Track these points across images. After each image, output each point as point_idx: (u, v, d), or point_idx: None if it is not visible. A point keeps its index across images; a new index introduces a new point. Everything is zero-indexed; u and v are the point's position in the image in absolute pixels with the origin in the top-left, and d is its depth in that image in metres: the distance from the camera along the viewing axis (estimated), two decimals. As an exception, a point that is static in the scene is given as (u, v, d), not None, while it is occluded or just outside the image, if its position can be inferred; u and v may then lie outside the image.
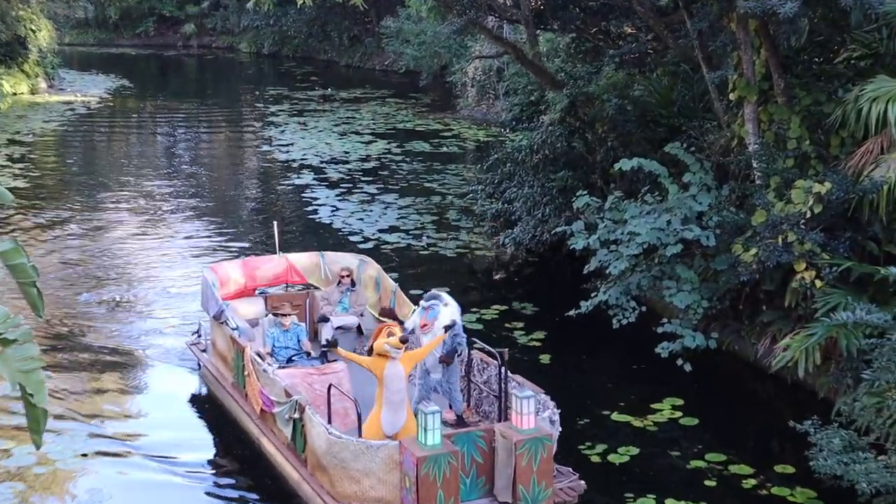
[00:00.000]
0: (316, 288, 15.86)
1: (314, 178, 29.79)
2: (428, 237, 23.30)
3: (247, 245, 23.48)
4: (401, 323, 12.04)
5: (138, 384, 16.28)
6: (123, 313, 19.17)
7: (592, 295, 17.01)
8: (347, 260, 15.97)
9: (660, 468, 13.29)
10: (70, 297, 19.73)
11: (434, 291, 12.79)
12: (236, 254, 22.41)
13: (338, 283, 15.51)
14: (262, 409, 13.09)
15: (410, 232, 24.16)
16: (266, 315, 14.83)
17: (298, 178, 30.07)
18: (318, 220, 25.29)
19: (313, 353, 13.89)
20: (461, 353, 12.58)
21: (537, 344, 17.59)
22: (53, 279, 20.56)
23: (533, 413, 11.26)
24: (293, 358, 13.73)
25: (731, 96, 17.10)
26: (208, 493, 12.79)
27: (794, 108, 16.13)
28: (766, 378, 15.83)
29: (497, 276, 21.87)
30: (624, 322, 16.63)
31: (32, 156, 33.48)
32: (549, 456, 11.25)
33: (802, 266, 15.12)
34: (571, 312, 16.96)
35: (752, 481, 13.05)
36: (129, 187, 29.22)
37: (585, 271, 17.66)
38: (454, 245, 23.43)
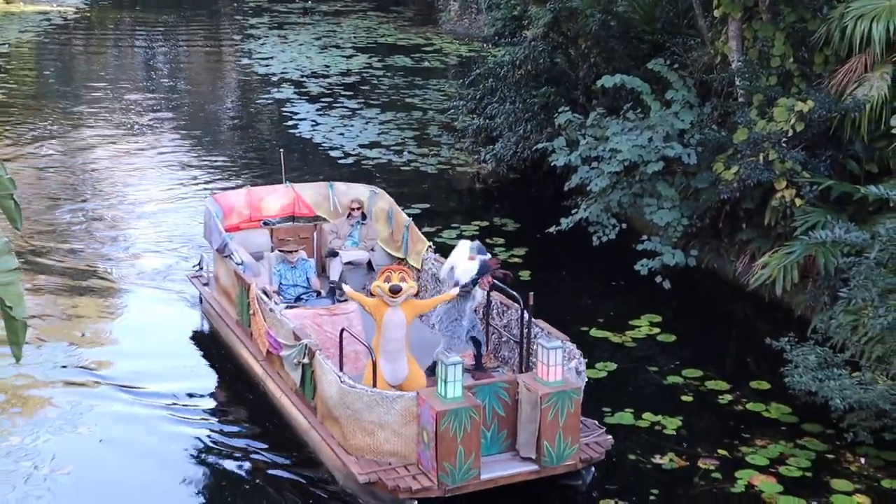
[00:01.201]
0: (324, 221, 15.16)
1: (294, 93, 29.06)
2: (409, 153, 22.62)
3: (226, 159, 23.05)
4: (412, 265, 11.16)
5: (123, 310, 15.77)
6: (103, 231, 18.63)
7: (573, 212, 16.89)
8: (358, 191, 15.14)
9: (637, 383, 13.22)
10: (48, 212, 19.28)
11: (476, 243, 12.17)
12: (216, 169, 21.82)
13: (347, 216, 14.79)
14: (268, 351, 12.34)
15: (391, 147, 23.58)
16: (272, 250, 14.18)
17: (278, 91, 29.35)
18: (298, 136, 24.76)
19: (323, 292, 13.20)
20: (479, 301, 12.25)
21: (518, 260, 17.31)
22: (31, 194, 20.02)
23: (560, 364, 10.40)
24: (302, 297, 12.98)
25: (716, 13, 16.75)
26: (210, 437, 12.14)
27: (779, 26, 15.76)
28: (744, 296, 15.65)
29: (478, 192, 21.72)
30: (604, 239, 16.55)
31: (9, 67, 32.57)
32: (577, 410, 10.42)
33: (783, 184, 14.93)
34: (552, 229, 16.90)
35: (728, 397, 13.03)
36: (108, 101, 28.34)
37: (566, 188, 17.46)
38: (435, 161, 22.98)
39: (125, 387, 13.15)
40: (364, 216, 14.79)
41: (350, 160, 22.44)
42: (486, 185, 21.82)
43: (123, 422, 12.37)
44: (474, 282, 11.35)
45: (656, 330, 14.91)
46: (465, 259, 11.60)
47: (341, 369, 11.00)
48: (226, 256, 13.57)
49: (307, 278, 13.32)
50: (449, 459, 9.89)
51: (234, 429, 12.37)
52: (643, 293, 15.95)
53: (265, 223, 15.09)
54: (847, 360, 11.90)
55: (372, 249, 14.58)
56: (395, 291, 10.86)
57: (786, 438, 12.04)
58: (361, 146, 23.36)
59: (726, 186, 15.56)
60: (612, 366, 13.44)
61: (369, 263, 14.45)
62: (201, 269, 15.21)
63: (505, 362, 12.29)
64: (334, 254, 14.32)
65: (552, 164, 17.70)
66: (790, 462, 11.66)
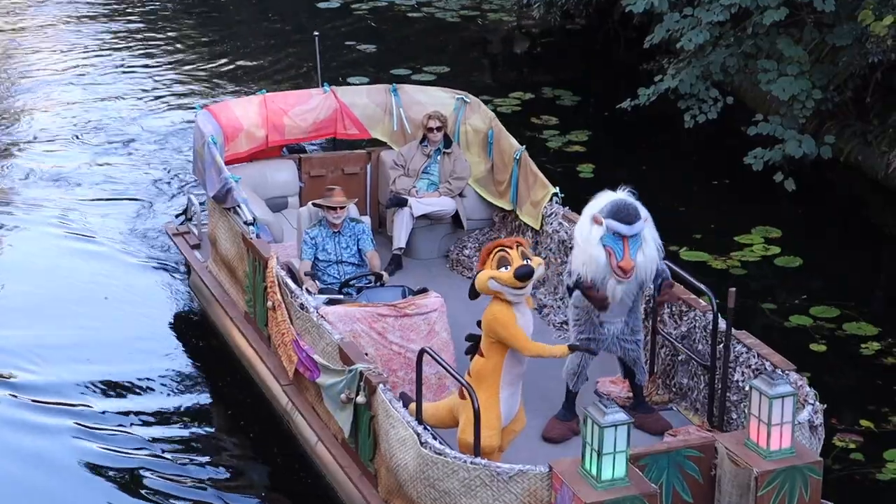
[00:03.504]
0: (384, 146, 12.92)
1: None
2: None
3: (224, 50, 20.71)
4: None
5: (69, 282, 13.33)
6: (24, 161, 16.42)
7: (656, 79, 15.88)
8: (438, 99, 12.81)
9: (748, 326, 11.10)
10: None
11: (629, 202, 9.20)
12: (211, 68, 19.87)
13: (422, 140, 12.33)
14: (296, 370, 10.00)
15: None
16: (300, 195, 12.41)
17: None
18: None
19: (386, 275, 10.84)
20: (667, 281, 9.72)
21: (578, 149, 16.36)
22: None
23: (791, 422, 8.16)
24: (351, 283, 10.61)
25: None
26: None
27: None
28: None
29: (520, 51, 20.28)
30: (701, 119, 15.47)
31: None
32: (815, 497, 8.18)
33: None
34: (625, 104, 15.86)
35: (876, 345, 12.05)
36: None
37: (647, 45, 16.31)
38: (457, 5, 21.22)
39: (61, 406, 11.13)
40: (448, 140, 12.34)
41: (335, 3, 21.11)
42: (532, 40, 20.44)
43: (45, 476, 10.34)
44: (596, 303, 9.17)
45: (775, 250, 13.79)
46: (588, 228, 9.14)
47: (420, 416, 8.79)
48: (228, 209, 11.38)
49: (358, 251, 10.96)
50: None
51: (242, 496, 10.07)
52: (756, 197, 15.06)
53: (290, 150, 12.92)
54: None
55: (461, 195, 12.33)
56: (525, 277, 8.43)
57: None
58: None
59: (878, 44, 14.32)
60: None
61: (456, 218, 12.20)
62: (188, 220, 12.99)
63: (683, 395, 10.08)
64: (401, 202, 12.02)
65: (626, 10, 16.46)
66: None
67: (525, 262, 8.56)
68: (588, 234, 9.13)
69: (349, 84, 17.18)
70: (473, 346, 8.98)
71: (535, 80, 18.63)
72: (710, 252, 13.69)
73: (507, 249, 8.61)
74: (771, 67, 15.27)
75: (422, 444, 8.34)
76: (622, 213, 9.06)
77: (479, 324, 8.87)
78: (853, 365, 11.86)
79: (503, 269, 8.55)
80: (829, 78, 15.36)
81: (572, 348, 8.98)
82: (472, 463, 8.14)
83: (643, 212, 9.32)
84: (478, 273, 8.81)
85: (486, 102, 15.74)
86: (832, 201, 15.22)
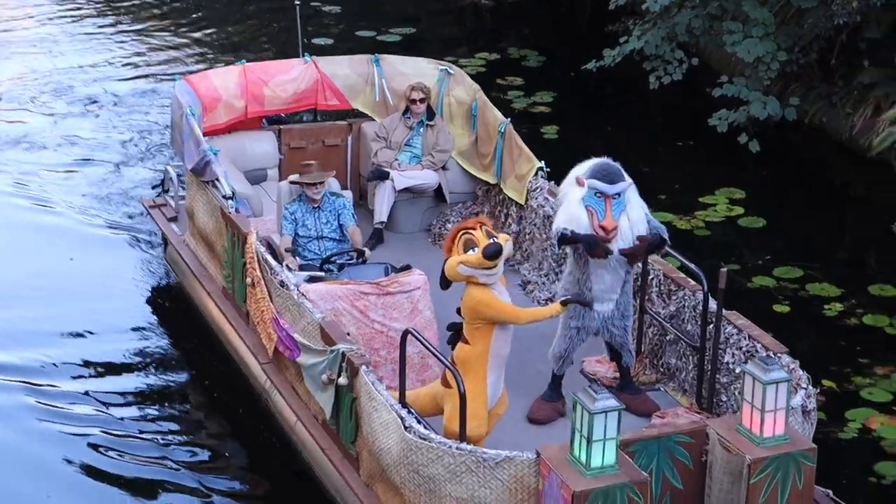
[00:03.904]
0: (365, 118, 12.70)
1: None
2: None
3: (200, 21, 20.43)
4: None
5: (37, 254, 13.07)
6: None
7: (622, 41, 15.91)
8: (421, 70, 12.60)
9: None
10: None
11: (610, 163, 9.12)
12: (189, 38, 19.49)
13: (404, 112, 12.11)
14: (276, 349, 9.83)
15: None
16: (279, 168, 12.15)
17: None
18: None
19: (367, 251, 10.59)
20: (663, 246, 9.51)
21: (543, 109, 16.34)
22: None
23: (785, 408, 7.98)
24: (333, 259, 10.39)
25: None
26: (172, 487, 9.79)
27: None
28: (864, 164, 14.87)
29: (486, 12, 19.97)
30: (666, 81, 15.56)
31: None
32: (809, 485, 8.00)
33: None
34: (590, 65, 15.92)
35: (839, 306, 12.16)
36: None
37: (612, 6, 16.34)
38: None
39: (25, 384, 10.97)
40: (431, 112, 12.08)
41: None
42: (498, 1, 20.20)
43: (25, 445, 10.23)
44: (589, 248, 8.81)
45: (738, 211, 13.90)
46: (574, 190, 9.02)
47: (404, 399, 8.51)
48: (206, 182, 11.11)
49: (339, 227, 10.70)
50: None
51: (219, 478, 9.76)
52: (721, 159, 15.15)
53: (270, 121, 12.66)
54: None
55: (444, 168, 12.08)
56: (494, 255, 8.17)
57: None
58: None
59: (843, 6, 14.22)
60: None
61: (438, 192, 12.03)
62: (164, 192, 12.74)
63: (671, 376, 9.85)
64: (382, 175, 11.77)
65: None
66: None
67: (492, 241, 8.29)
68: (570, 195, 8.95)
69: (314, 45, 17.01)
70: (455, 334, 8.72)
71: (500, 41, 18.54)
72: (675, 212, 13.59)
73: (471, 231, 8.38)
74: (736, 29, 15.24)
75: (406, 428, 8.11)
76: (604, 172, 8.96)
77: (458, 311, 8.62)
78: (816, 326, 11.84)
79: (471, 252, 8.31)
80: (795, 40, 15.32)
81: (565, 303, 8.73)
82: (457, 448, 7.91)
83: (628, 177, 9.15)
84: (445, 261, 8.56)
85: (451, 63, 15.90)
86: (796, 163, 15.25)
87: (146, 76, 18.18)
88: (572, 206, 8.92)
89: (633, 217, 8.97)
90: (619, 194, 8.89)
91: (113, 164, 15.18)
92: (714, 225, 13.62)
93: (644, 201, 9.19)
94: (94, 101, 17.13)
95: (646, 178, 13.66)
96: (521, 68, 17.56)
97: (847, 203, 14.68)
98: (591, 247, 8.87)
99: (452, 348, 8.68)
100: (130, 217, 13.72)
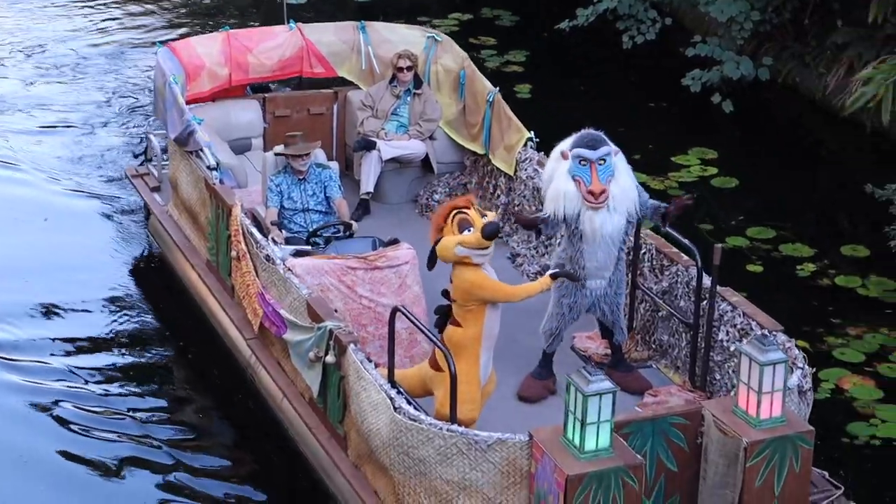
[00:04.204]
0: (351, 86, 12.41)
1: None
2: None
3: None
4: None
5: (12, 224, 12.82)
6: None
7: (595, 0, 15.93)
8: (408, 37, 12.33)
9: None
10: None
11: (593, 131, 8.97)
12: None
13: (391, 81, 11.85)
14: (261, 324, 9.60)
15: None
16: (264, 137, 11.86)
17: None
18: None
19: (355, 224, 10.40)
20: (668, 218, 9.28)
21: (516, 69, 16.28)
22: None
23: (782, 389, 7.79)
24: (319, 233, 10.27)
25: None
26: (154, 466, 9.44)
27: None
28: (836, 123, 14.89)
29: None
30: (639, 41, 15.72)
31: None
32: (806, 469, 7.81)
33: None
34: (564, 25, 16.00)
35: (811, 266, 12.19)
36: None
37: None
38: None
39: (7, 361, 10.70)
40: (418, 80, 11.86)
41: None
42: None
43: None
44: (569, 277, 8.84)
45: (711, 171, 13.94)
46: (560, 165, 8.88)
47: (393, 378, 8.32)
48: (190, 152, 10.86)
49: (326, 199, 10.51)
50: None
51: (203, 456, 9.53)
52: (694, 118, 15.24)
53: (254, 89, 12.41)
54: None
55: (431, 138, 11.78)
56: (493, 234, 8.03)
57: (890, 325, 11.33)
58: None
59: None
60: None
61: (426, 161, 11.75)
62: (147, 160, 12.46)
63: (663, 353, 9.64)
64: (369, 145, 11.48)
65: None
66: (895, 358, 10.83)
67: (488, 221, 8.11)
68: (556, 170, 8.79)
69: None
70: (443, 317, 8.50)
71: (474, 1, 18.40)
72: (649, 173, 13.57)
73: (465, 211, 8.21)
74: (710, -12, 16.00)
75: (395, 409, 7.91)
76: (586, 139, 8.87)
77: (444, 294, 8.41)
78: (789, 286, 11.85)
79: (467, 232, 8.12)
80: (767, 0, 15.47)
81: (554, 276, 8.55)
82: (448, 430, 7.71)
83: (612, 144, 8.99)
84: (437, 241, 8.28)
85: (424, 23, 16.30)
86: (769, 123, 15.34)
87: (121, 41, 17.79)
88: (559, 182, 8.79)
89: (624, 184, 8.79)
90: (604, 160, 8.70)
91: (88, 126, 14.84)
92: (687, 185, 13.60)
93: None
94: (68, 65, 16.77)
95: (620, 139, 13.60)
96: (495, 28, 17.45)
97: (820, 163, 14.67)
98: (570, 277, 8.76)
99: (441, 332, 8.45)
100: (109, 181, 13.46)
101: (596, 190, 8.63)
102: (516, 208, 11.11)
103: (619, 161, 8.89)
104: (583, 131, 9.03)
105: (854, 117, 14.15)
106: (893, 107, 12.97)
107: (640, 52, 15.84)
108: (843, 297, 11.75)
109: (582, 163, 8.70)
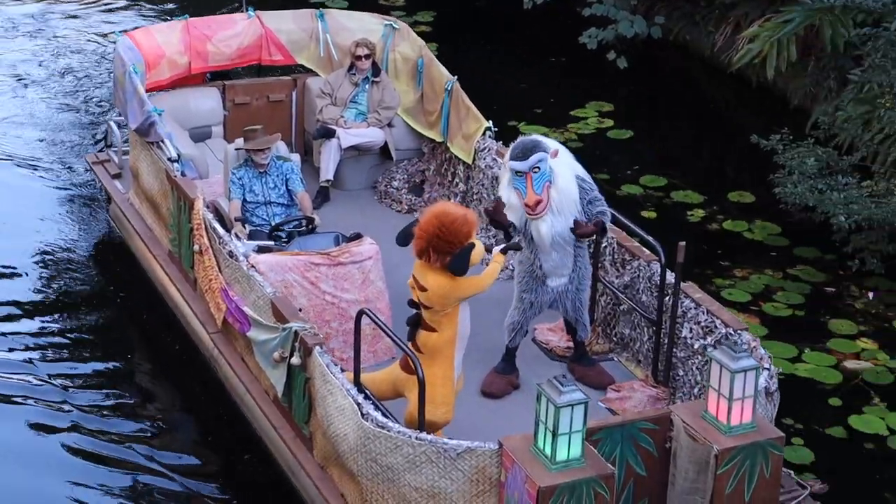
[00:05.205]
0: (310, 73, 12.21)
1: None
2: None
3: None
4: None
5: None
6: None
7: None
8: (366, 25, 12.14)
9: None
10: None
11: (527, 138, 8.78)
12: None
13: (349, 69, 11.66)
14: (225, 320, 9.33)
15: None
16: (224, 125, 11.65)
17: None
18: None
19: (317, 218, 10.16)
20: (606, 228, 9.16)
21: (424, 29, 16.30)
22: None
23: (753, 396, 7.60)
24: (282, 228, 10.02)
25: None
26: (113, 461, 9.27)
27: None
28: (724, 79, 15.15)
29: None
30: (539, 0, 15.87)
31: None
32: (776, 475, 7.67)
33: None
34: None
35: (700, 212, 12.61)
36: None
37: None
38: None
39: None
40: (377, 68, 11.69)
41: None
42: None
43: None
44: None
45: (608, 123, 14.30)
46: (504, 176, 8.90)
47: (358, 380, 8.09)
48: (151, 143, 10.64)
49: (287, 192, 10.32)
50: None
51: (166, 453, 9.31)
52: (590, 74, 15.47)
53: (213, 76, 12.24)
54: (856, 164, 11.76)
55: (389, 125, 11.69)
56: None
57: (773, 267, 11.68)
58: None
59: None
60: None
61: (384, 149, 11.62)
62: (108, 146, 12.18)
63: (624, 346, 9.57)
64: (328, 133, 11.33)
65: None
66: (778, 298, 11.23)
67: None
68: (504, 178, 8.76)
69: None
70: (414, 327, 8.20)
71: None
72: (549, 126, 13.85)
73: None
74: (605, -53, 16.00)
75: (363, 415, 7.71)
76: (517, 150, 8.71)
77: (410, 303, 8.11)
78: (681, 231, 11.70)
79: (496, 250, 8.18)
80: None
81: (504, 251, 8.35)
82: (417, 439, 7.55)
83: (552, 145, 8.75)
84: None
85: None
86: (662, 78, 15.68)
87: (80, 28, 17.27)
88: (505, 193, 8.71)
89: (563, 187, 8.61)
90: (538, 167, 8.53)
91: (50, 111, 14.54)
92: (585, 137, 13.90)
93: (561, 146, 8.69)
94: (25, 53, 16.32)
95: (521, 94, 14.72)
96: (401, -10, 18.03)
97: (708, 116, 14.95)
98: (516, 248, 8.66)
99: (410, 336, 8.15)
100: (70, 168, 13.19)
101: (531, 202, 8.52)
102: (475, 196, 10.91)
103: (557, 163, 8.67)
104: (517, 140, 8.80)
105: (741, 73, 14.47)
106: (777, 62, 13.22)
107: (540, 11, 16.01)
108: (730, 240, 12.07)
109: (518, 174, 8.58)
